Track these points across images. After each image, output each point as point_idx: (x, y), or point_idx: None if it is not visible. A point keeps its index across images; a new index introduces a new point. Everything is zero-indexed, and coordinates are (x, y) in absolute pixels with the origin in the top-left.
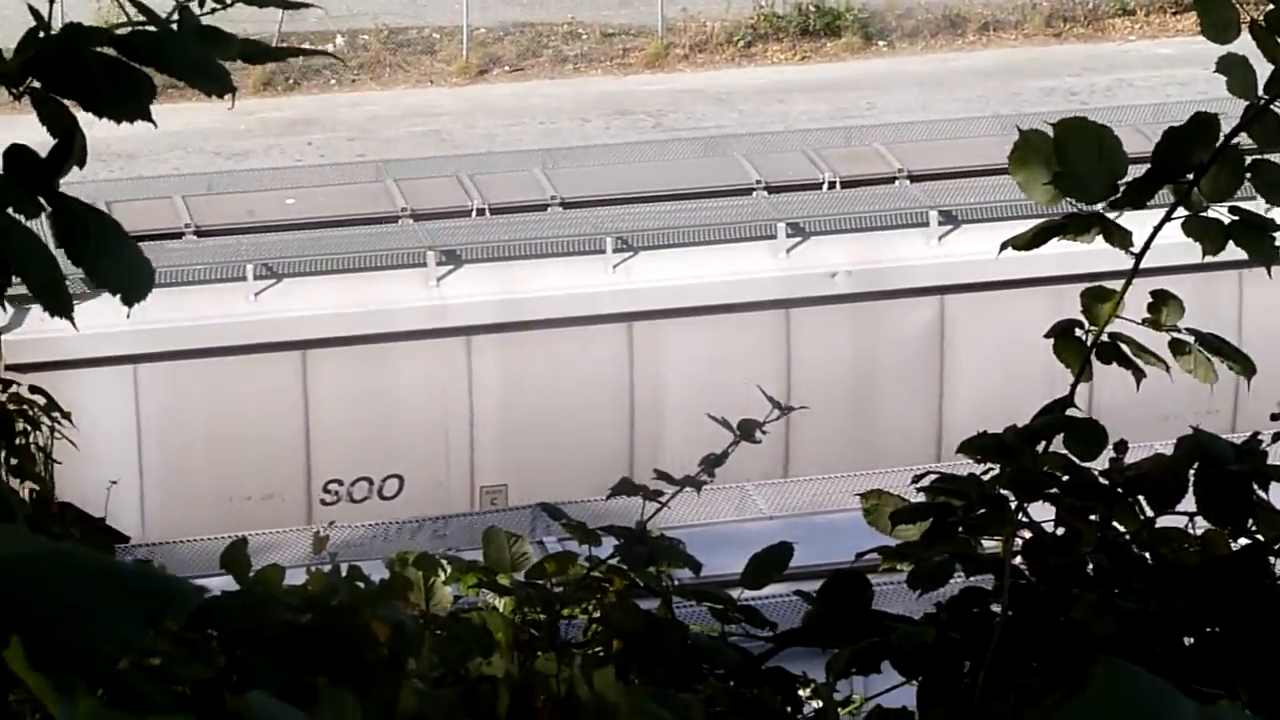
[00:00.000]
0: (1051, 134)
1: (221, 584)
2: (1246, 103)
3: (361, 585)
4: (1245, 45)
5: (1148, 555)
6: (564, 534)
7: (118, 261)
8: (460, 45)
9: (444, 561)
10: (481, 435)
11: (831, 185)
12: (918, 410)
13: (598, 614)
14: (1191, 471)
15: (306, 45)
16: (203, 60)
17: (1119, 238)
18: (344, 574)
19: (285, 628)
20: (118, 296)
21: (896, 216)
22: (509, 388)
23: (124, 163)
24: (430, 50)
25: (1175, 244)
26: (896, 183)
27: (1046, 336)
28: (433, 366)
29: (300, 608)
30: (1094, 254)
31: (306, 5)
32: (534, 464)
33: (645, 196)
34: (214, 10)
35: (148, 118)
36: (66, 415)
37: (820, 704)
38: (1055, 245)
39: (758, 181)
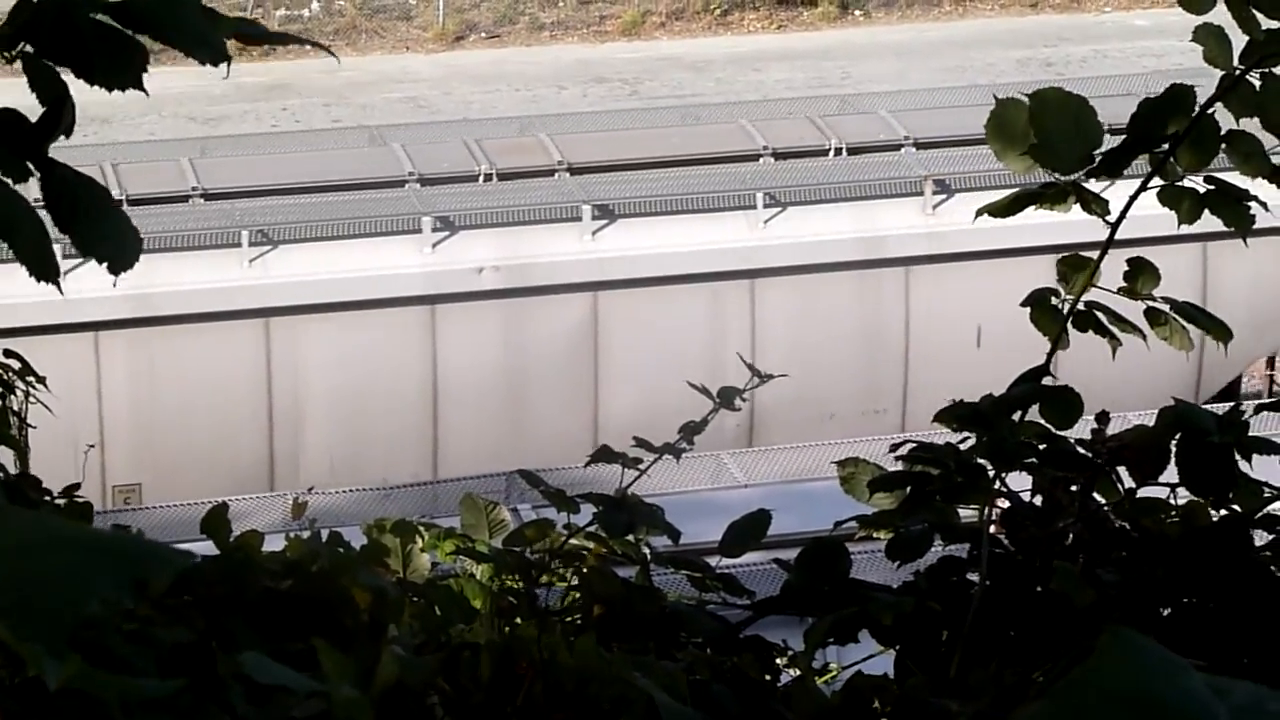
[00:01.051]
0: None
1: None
2: (1221, 73)
3: (342, 551)
4: (1220, 17)
5: (1128, 526)
6: (540, 501)
7: (106, 229)
8: (436, 11)
9: (421, 528)
10: (113, 434)
11: (489, 178)
12: (573, 409)
13: (575, 581)
14: (1173, 442)
15: (281, 12)
16: (200, 29)
17: (1095, 206)
18: (324, 540)
19: (265, 593)
20: (104, 264)
21: (549, 211)
22: (139, 385)
23: (98, 127)
24: (406, 16)
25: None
26: (556, 176)
27: (1023, 305)
28: (59, 363)
29: (280, 573)
30: (752, 250)
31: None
32: (169, 464)
33: (287, 188)
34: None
35: (140, 86)
36: (41, 380)
37: (798, 672)
38: (713, 241)
39: (410, 173)
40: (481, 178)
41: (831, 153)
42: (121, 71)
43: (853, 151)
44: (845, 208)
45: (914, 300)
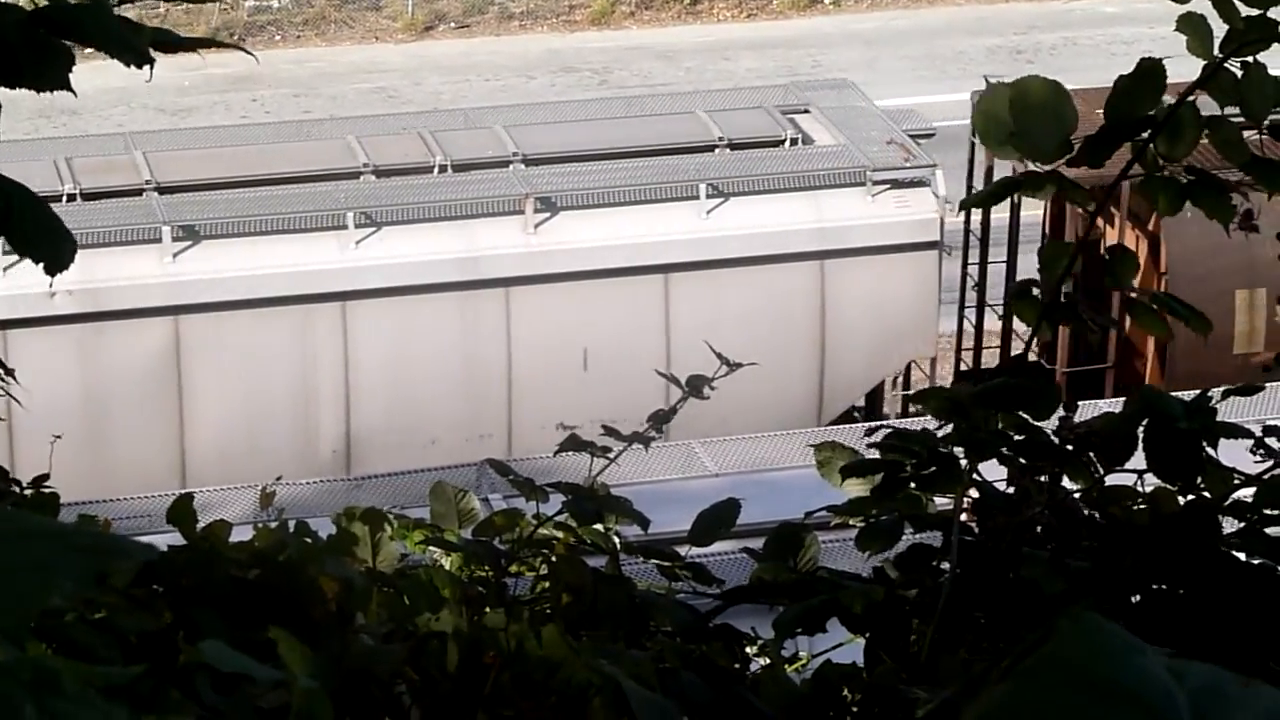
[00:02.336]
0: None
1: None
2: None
3: (309, 541)
4: (1200, 5)
5: (1097, 514)
6: (509, 490)
7: (40, 232)
8: (405, 2)
9: (390, 517)
10: None
11: (72, 198)
12: (156, 435)
13: (545, 571)
14: (1141, 429)
15: (251, 2)
16: (121, 33)
17: (1075, 196)
18: (292, 530)
19: (232, 583)
20: (40, 265)
21: (130, 232)
22: None
23: (68, 118)
24: (375, 6)
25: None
26: (144, 195)
27: (1008, 299)
28: None
29: (248, 563)
30: (343, 272)
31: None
32: None
33: None
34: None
35: (67, 87)
36: (10, 373)
37: (767, 661)
38: (301, 263)
39: None
40: (65, 198)
41: (436, 169)
42: (48, 73)
43: (459, 168)
44: (445, 227)
45: (516, 322)
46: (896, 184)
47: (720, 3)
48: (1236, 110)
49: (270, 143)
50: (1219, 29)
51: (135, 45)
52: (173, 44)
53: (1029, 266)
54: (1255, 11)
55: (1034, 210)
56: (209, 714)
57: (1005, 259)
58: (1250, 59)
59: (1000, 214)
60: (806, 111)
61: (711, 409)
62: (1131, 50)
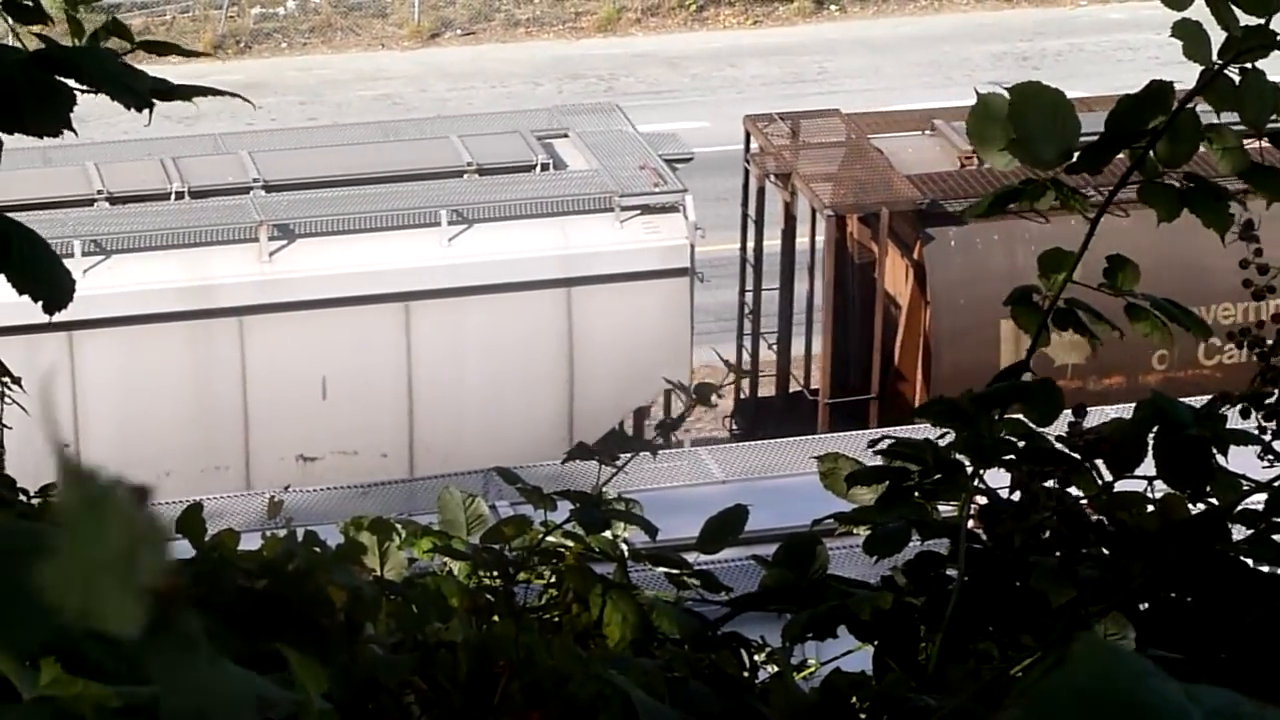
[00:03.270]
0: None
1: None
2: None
3: (318, 550)
4: (1199, 12)
5: (1105, 520)
6: (516, 498)
7: (39, 269)
8: (412, 8)
9: (398, 526)
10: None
11: None
12: None
13: (553, 579)
14: (1151, 435)
15: (257, 10)
16: (121, 75)
17: (1075, 202)
18: (300, 539)
19: (241, 593)
20: (39, 303)
21: None
22: None
23: (75, 125)
24: (382, 14)
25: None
26: None
27: (1005, 304)
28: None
29: (256, 573)
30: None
31: (200, 54)
32: None
33: None
34: (130, 51)
35: (69, 128)
36: (17, 380)
37: (776, 668)
38: (18, 297)
39: None
40: None
41: (173, 195)
42: (49, 116)
43: (197, 194)
44: (177, 254)
45: (250, 351)
46: (647, 209)
47: (726, 9)
48: (1233, 118)
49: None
50: (1215, 34)
51: (135, 89)
52: (170, 92)
53: (802, 294)
54: (1254, 20)
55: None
56: None
57: (778, 287)
58: (1249, 65)
59: (773, 243)
60: (565, 136)
61: (457, 440)
62: (1137, 56)
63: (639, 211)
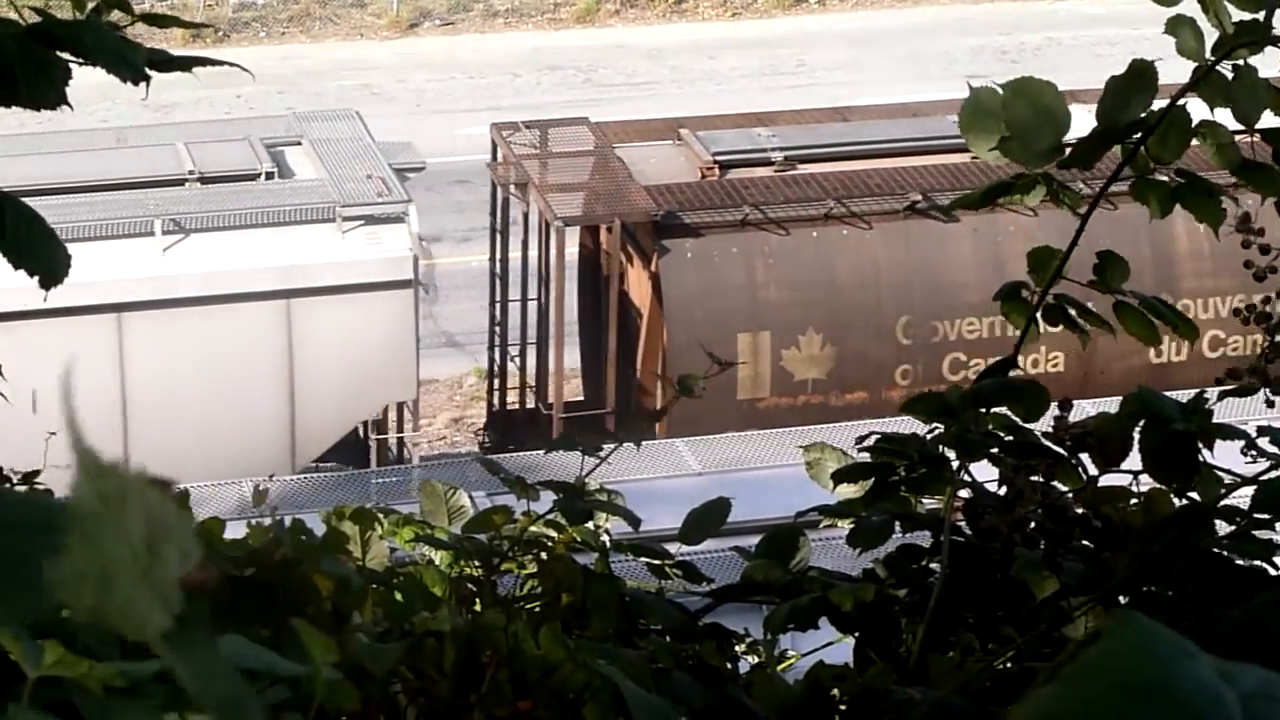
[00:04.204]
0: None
1: None
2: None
3: (304, 538)
4: (1189, 7)
5: (1090, 514)
6: (495, 488)
7: (34, 244)
8: None
9: (380, 515)
10: None
11: None
12: None
13: (535, 569)
14: (1137, 430)
15: None
16: (119, 49)
17: (1065, 198)
18: (287, 527)
19: (227, 581)
20: (35, 278)
21: None
22: None
23: (48, 112)
24: (360, 3)
25: None
26: None
27: (995, 299)
28: None
29: (243, 560)
30: None
31: (203, 26)
32: None
33: None
34: (130, 23)
35: (65, 103)
36: None
37: (757, 659)
38: None
39: None
40: None
41: None
42: (45, 90)
43: None
44: None
45: None
46: (370, 220)
47: (705, 1)
48: (1225, 113)
49: None
50: (1207, 30)
51: (133, 62)
52: (169, 63)
53: (560, 305)
54: (1247, 15)
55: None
56: None
57: (537, 298)
58: (1241, 62)
59: (516, 254)
60: (299, 144)
61: (172, 453)
62: (1116, 51)
63: (362, 222)
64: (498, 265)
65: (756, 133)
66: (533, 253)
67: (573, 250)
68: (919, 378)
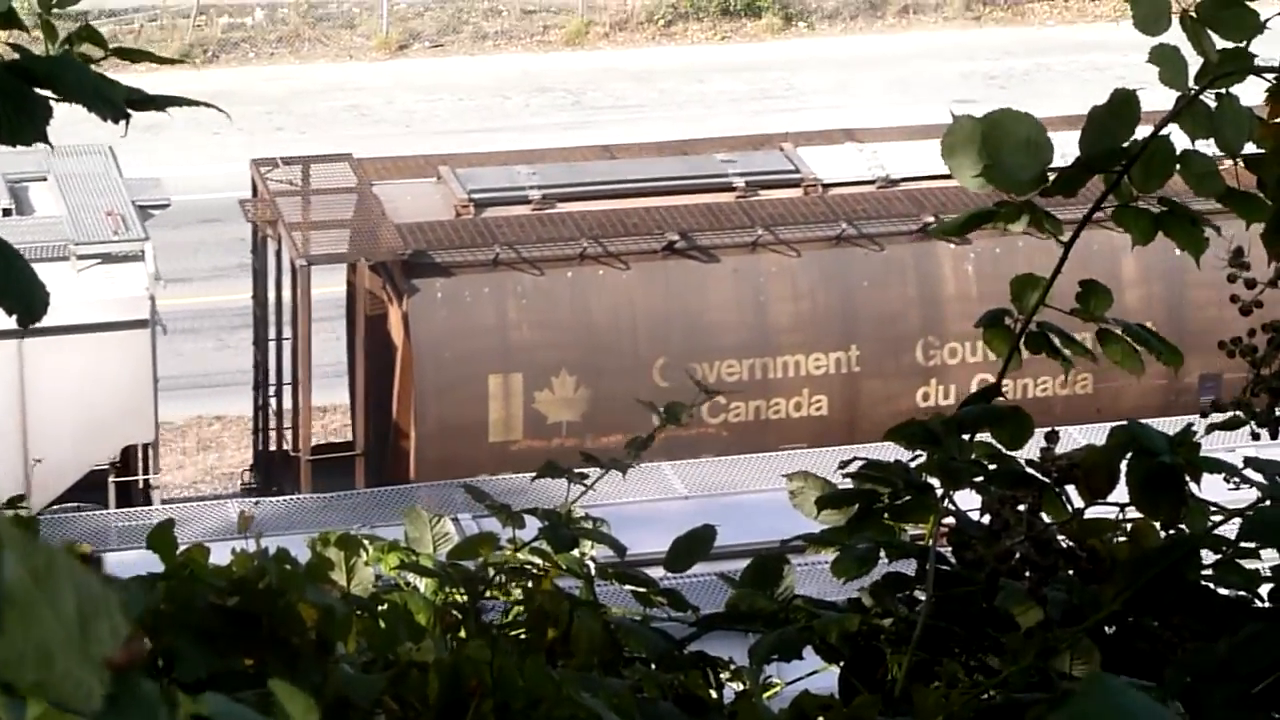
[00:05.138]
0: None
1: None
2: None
3: (289, 568)
4: (1174, 36)
5: (1076, 546)
6: (481, 512)
7: (14, 282)
8: (380, 20)
9: (365, 541)
10: None
11: None
12: None
13: (520, 596)
14: (1124, 462)
15: (225, 19)
16: (98, 86)
17: (1049, 225)
18: (270, 555)
19: (211, 610)
20: (13, 316)
21: None
22: None
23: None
24: (349, 24)
25: None
26: None
27: (977, 326)
28: None
29: (227, 590)
30: None
31: (176, 61)
32: None
33: None
34: (104, 58)
35: (44, 139)
36: None
37: (742, 687)
38: None
39: None
40: None
41: None
42: (26, 127)
43: None
44: None
45: None
46: (107, 259)
47: (695, 25)
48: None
49: None
50: (1190, 57)
51: (111, 99)
52: (146, 102)
53: (326, 344)
54: (1230, 44)
55: (326, 290)
56: None
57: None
58: (1224, 91)
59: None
60: (45, 180)
61: None
62: (1105, 77)
63: (98, 260)
64: (256, 305)
65: (517, 170)
66: (286, 293)
67: (339, 290)
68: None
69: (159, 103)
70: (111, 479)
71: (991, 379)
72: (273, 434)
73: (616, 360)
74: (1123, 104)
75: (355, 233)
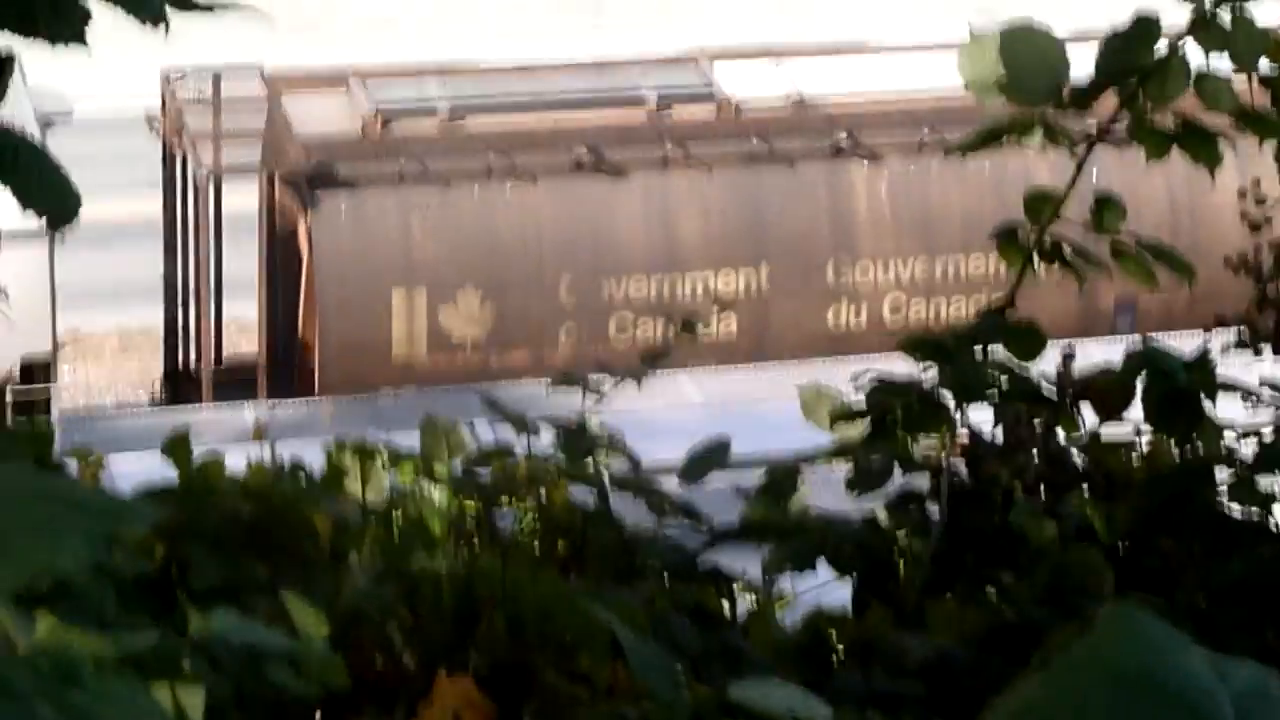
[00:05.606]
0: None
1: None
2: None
3: (303, 479)
4: None
5: (1090, 463)
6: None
7: (46, 184)
8: None
9: (381, 449)
10: None
11: None
12: None
13: (532, 506)
14: (1139, 382)
15: None
16: None
17: (1062, 138)
18: (286, 466)
19: (226, 520)
20: (44, 218)
21: None
22: None
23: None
24: None
25: None
26: None
27: (991, 238)
28: None
29: (242, 500)
30: None
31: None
32: None
33: None
34: None
35: (82, 40)
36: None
37: (754, 599)
38: None
39: None
40: None
41: None
42: (64, 26)
43: None
44: None
45: None
46: None
47: None
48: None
49: None
50: None
51: (150, 4)
52: (187, 3)
53: (238, 258)
54: None
55: (237, 201)
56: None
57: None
58: (1238, 7)
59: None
60: None
61: None
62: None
63: None
64: (164, 218)
65: (427, 83)
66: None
67: (253, 203)
68: (583, 337)
69: (200, 4)
70: (10, 388)
71: (903, 299)
72: (191, 348)
73: (522, 276)
74: (1142, 30)
75: (261, 146)
